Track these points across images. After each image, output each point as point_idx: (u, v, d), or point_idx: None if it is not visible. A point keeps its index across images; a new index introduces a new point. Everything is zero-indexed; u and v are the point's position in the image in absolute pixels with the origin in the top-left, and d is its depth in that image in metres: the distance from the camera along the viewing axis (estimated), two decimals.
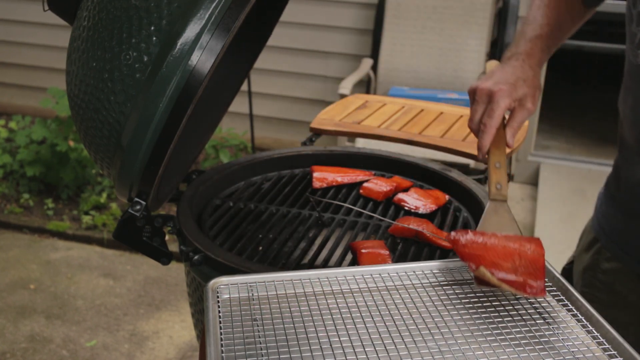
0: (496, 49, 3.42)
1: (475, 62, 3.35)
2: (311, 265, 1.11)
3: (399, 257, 1.13)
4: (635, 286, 1.07)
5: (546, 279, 0.90)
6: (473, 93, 1.04)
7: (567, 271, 1.23)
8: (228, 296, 0.86)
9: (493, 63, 1.19)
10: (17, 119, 3.53)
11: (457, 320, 0.81)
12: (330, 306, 0.84)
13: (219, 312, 0.82)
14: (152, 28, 0.87)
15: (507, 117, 1.05)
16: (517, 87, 1.01)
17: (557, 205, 3.25)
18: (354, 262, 1.10)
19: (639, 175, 1.03)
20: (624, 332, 0.77)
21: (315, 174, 1.40)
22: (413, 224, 1.17)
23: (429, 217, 1.26)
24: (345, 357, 0.74)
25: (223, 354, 0.74)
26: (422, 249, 1.15)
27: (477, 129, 1.03)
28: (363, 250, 1.09)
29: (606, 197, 1.13)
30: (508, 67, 1.04)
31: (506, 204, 1.04)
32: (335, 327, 0.80)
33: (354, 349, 0.76)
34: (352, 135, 1.62)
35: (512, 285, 0.80)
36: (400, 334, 0.78)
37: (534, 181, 3.65)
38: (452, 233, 0.90)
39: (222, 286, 0.87)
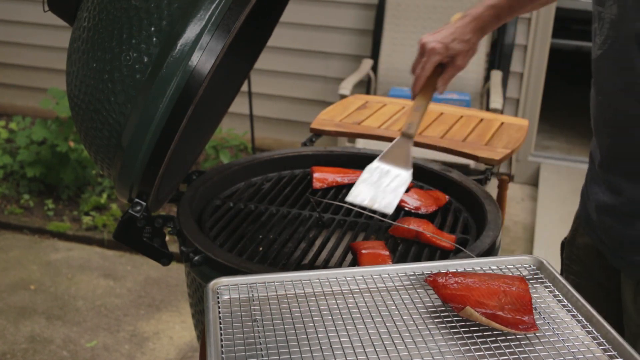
0: (496, 50, 3.42)
1: (475, 63, 3.34)
2: (311, 266, 1.11)
3: (400, 258, 1.13)
4: (596, 260, 1.14)
5: (546, 280, 0.91)
6: (419, 42, 1.23)
7: (563, 245, 1.29)
8: (228, 297, 0.86)
9: (457, 15, 1.33)
10: (18, 120, 3.53)
11: (457, 321, 0.81)
12: (330, 307, 0.84)
13: (219, 312, 0.82)
14: (152, 29, 0.87)
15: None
16: (451, 46, 1.20)
17: (557, 205, 3.25)
18: (354, 263, 1.10)
19: (595, 155, 1.09)
20: (590, 303, 0.83)
21: (315, 175, 1.40)
22: (413, 225, 1.17)
23: (430, 217, 1.26)
24: (346, 357, 0.74)
25: (223, 355, 0.74)
26: (422, 250, 1.15)
27: (413, 74, 1.25)
28: (363, 251, 1.09)
29: (587, 177, 1.16)
30: (452, 26, 1.22)
31: (411, 141, 1.25)
32: (335, 327, 0.80)
33: (354, 350, 0.76)
34: (353, 136, 1.62)
35: (502, 322, 0.79)
36: (400, 334, 0.78)
37: (534, 181, 3.64)
38: (430, 276, 0.88)
39: (222, 287, 0.87)
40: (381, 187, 1.17)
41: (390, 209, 1.14)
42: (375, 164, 1.21)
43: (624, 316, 1.09)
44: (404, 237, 1.18)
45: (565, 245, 1.25)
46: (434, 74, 1.27)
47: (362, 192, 1.16)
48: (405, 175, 1.19)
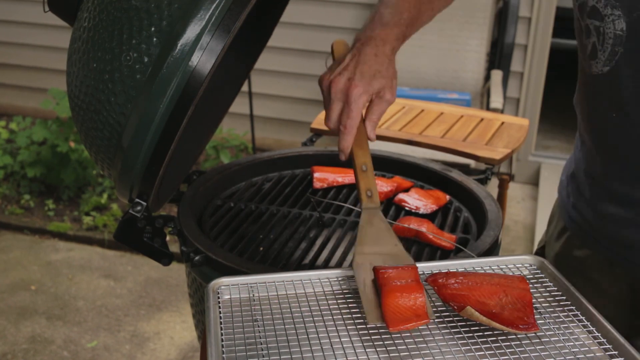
0: (496, 49, 3.42)
1: (475, 63, 3.34)
2: (312, 266, 1.11)
3: None
4: (606, 272, 1.08)
5: (547, 280, 0.91)
6: (327, 88, 0.98)
7: (540, 255, 1.19)
8: (229, 297, 0.86)
9: (340, 43, 1.10)
10: (18, 120, 3.53)
11: (458, 321, 0.81)
12: (331, 307, 0.84)
13: (220, 312, 0.82)
14: (153, 29, 0.87)
15: (364, 111, 1.00)
16: (374, 80, 0.97)
17: None
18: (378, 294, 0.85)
19: (599, 171, 1.03)
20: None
21: (315, 175, 1.40)
22: (414, 224, 1.17)
23: (430, 217, 1.26)
24: (346, 357, 0.74)
25: (224, 355, 0.74)
26: (422, 250, 1.15)
27: (336, 128, 0.99)
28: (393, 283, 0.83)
29: (573, 191, 1.11)
30: (363, 57, 0.98)
31: (379, 211, 0.97)
32: (336, 327, 0.80)
33: (354, 349, 0.76)
34: None
35: (503, 322, 0.78)
36: (400, 334, 0.78)
37: (534, 181, 3.64)
38: (430, 276, 0.87)
39: (223, 287, 0.87)
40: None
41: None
42: (359, 263, 0.89)
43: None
44: (404, 237, 1.18)
45: (558, 259, 1.16)
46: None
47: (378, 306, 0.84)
48: (402, 256, 0.92)
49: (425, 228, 1.15)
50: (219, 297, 0.85)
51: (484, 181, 1.39)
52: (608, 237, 1.04)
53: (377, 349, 0.76)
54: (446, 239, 1.14)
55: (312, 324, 0.80)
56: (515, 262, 0.95)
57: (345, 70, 0.98)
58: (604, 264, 1.08)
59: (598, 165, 1.03)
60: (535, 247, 1.27)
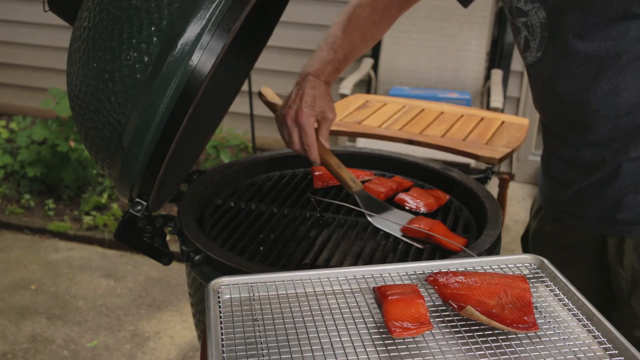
0: (496, 49, 3.42)
1: (475, 62, 3.35)
2: (312, 266, 1.11)
3: (400, 257, 1.13)
4: (573, 240, 1.24)
5: (547, 279, 0.91)
6: (283, 119, 1.25)
7: (525, 239, 1.39)
8: (229, 296, 0.86)
9: (266, 89, 1.43)
10: (18, 120, 3.53)
11: (458, 320, 0.81)
12: (331, 306, 0.84)
13: (220, 312, 0.82)
14: (153, 28, 0.87)
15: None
16: (316, 105, 1.23)
17: None
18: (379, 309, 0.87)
19: (553, 143, 1.21)
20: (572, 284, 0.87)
21: (316, 174, 1.40)
22: (424, 227, 1.15)
23: (430, 216, 1.26)
24: (347, 356, 0.75)
25: (224, 354, 0.74)
26: (423, 249, 1.15)
27: (301, 149, 1.25)
28: (390, 297, 0.85)
29: (543, 169, 1.27)
30: (303, 90, 1.24)
31: (364, 190, 1.26)
32: (336, 326, 0.80)
33: (354, 349, 0.76)
34: (353, 135, 1.62)
35: (503, 322, 0.79)
36: None
37: (534, 180, 3.64)
38: (431, 276, 0.88)
39: (223, 286, 0.87)
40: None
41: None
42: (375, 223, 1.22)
43: (611, 280, 1.19)
44: (415, 237, 1.17)
45: (534, 236, 1.32)
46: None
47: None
48: (402, 217, 1.22)
49: (436, 230, 1.14)
50: (219, 297, 0.85)
51: (484, 180, 1.39)
52: (567, 202, 1.20)
53: (377, 349, 0.76)
54: (456, 242, 1.12)
55: (312, 324, 0.80)
56: (516, 261, 0.95)
57: (293, 103, 1.24)
58: (570, 233, 1.23)
59: (551, 139, 1.21)
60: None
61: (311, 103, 1.23)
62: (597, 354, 0.75)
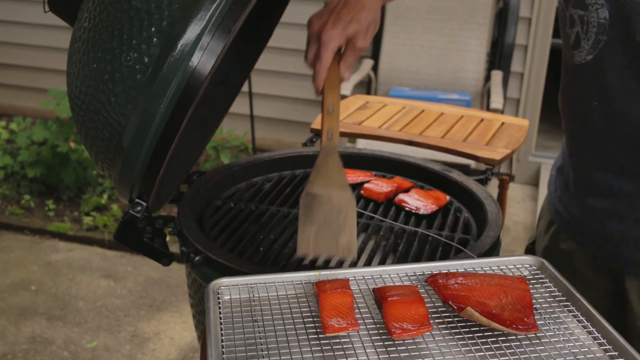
0: (496, 50, 3.42)
1: (475, 63, 3.35)
2: (312, 266, 1.11)
3: (400, 258, 1.13)
4: (591, 265, 1.09)
5: (547, 280, 0.91)
6: (308, 26, 1.05)
7: (530, 250, 1.25)
8: (229, 297, 0.86)
9: None
10: (18, 121, 3.53)
11: (458, 321, 0.81)
12: None
13: (220, 313, 0.82)
14: (153, 29, 0.87)
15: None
16: (348, 26, 1.00)
17: None
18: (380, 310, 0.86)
19: (583, 162, 1.05)
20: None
21: None
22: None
23: (430, 217, 1.26)
24: (346, 357, 0.74)
25: (224, 355, 0.74)
26: (422, 250, 1.15)
27: (311, 68, 1.05)
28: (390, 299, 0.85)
29: (560, 184, 1.13)
30: (348, 1, 1.01)
31: (337, 152, 1.03)
32: None
33: (354, 350, 0.76)
34: (353, 136, 1.62)
35: (503, 323, 0.78)
36: None
37: (534, 181, 3.64)
38: (430, 277, 0.87)
39: (223, 287, 0.87)
40: (331, 227, 0.99)
41: (354, 252, 0.97)
42: (309, 194, 1.01)
43: (628, 317, 1.07)
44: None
45: (546, 252, 1.18)
46: (333, 61, 1.06)
47: (312, 241, 0.97)
48: (346, 198, 1.00)
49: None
50: (219, 298, 0.85)
51: (484, 181, 1.39)
52: (591, 230, 1.05)
53: (377, 349, 0.76)
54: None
55: (312, 324, 0.80)
56: (515, 262, 0.95)
57: (327, 13, 1.02)
58: (588, 257, 1.09)
59: (582, 156, 1.04)
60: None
61: (345, 21, 1.00)
62: (597, 355, 0.75)
